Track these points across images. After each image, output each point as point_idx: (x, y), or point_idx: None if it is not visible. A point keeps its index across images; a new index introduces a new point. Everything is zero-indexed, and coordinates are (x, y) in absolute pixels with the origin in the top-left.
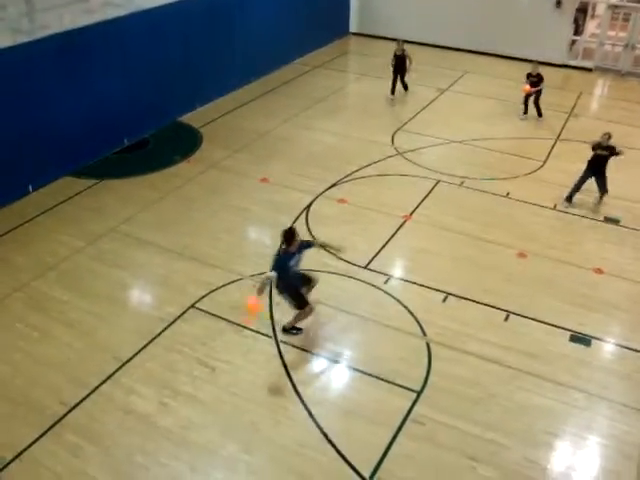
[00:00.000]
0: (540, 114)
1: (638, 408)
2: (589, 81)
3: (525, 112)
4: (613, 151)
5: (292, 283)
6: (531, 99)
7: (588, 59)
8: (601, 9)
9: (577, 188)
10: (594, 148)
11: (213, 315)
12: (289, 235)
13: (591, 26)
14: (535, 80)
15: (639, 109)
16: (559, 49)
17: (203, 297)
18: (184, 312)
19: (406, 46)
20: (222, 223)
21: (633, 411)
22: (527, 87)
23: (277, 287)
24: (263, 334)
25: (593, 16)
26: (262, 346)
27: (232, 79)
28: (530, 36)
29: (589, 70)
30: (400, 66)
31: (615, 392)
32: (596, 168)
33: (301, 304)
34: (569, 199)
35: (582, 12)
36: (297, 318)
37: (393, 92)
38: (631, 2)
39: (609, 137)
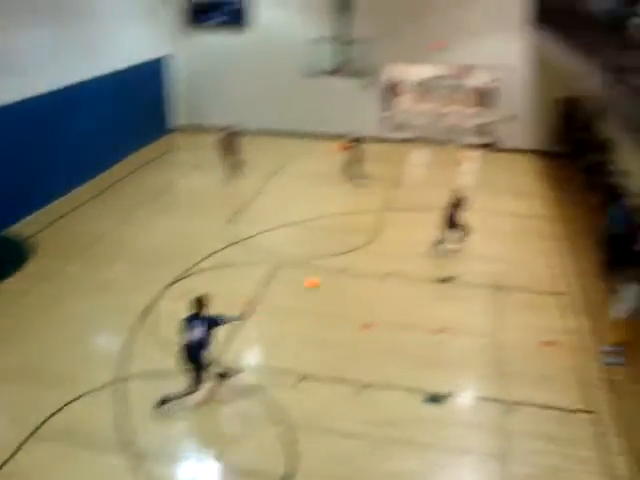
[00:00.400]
0: (362, 184)
1: (498, 454)
2: (405, 152)
3: (352, 178)
4: (463, 201)
5: (203, 355)
6: (349, 170)
7: (402, 131)
8: (409, 85)
9: (442, 237)
10: (450, 204)
11: (57, 439)
12: (199, 302)
13: (403, 100)
14: (350, 147)
15: (449, 171)
16: (373, 124)
17: (44, 422)
18: (24, 442)
19: (233, 134)
20: (62, 336)
21: (494, 457)
22: (340, 145)
23: (187, 356)
24: (112, 452)
25: (402, 92)
26: (113, 465)
27: (62, 183)
28: (346, 115)
29: (405, 141)
30: (229, 150)
31: (474, 443)
32: (452, 219)
33: (197, 381)
34: (437, 245)
35: (391, 89)
36: (182, 393)
37: (232, 173)
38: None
39: (458, 191)
